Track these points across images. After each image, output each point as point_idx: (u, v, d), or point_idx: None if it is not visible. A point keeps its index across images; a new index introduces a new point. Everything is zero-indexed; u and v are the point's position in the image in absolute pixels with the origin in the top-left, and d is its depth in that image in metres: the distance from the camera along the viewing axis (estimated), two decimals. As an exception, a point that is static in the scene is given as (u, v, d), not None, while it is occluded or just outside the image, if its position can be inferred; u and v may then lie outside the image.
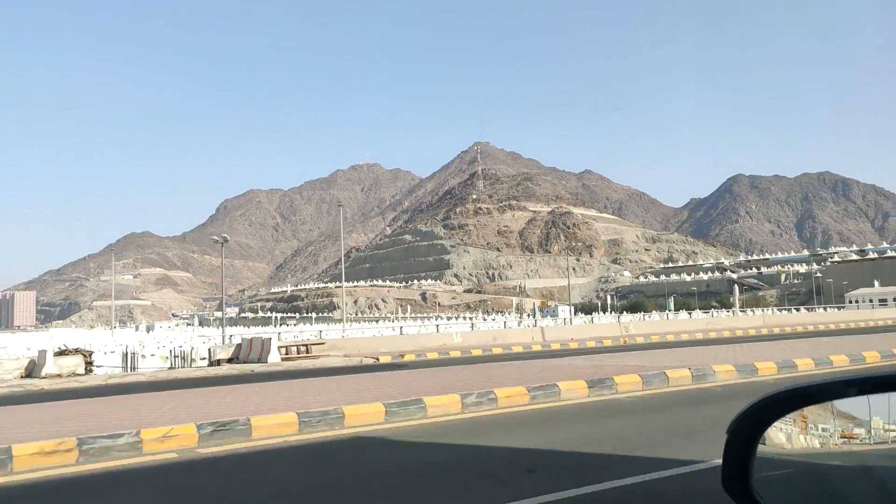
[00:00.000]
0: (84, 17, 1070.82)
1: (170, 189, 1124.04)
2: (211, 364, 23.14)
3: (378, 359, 23.12)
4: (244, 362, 22.69)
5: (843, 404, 1.48)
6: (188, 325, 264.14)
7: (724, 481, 1.59)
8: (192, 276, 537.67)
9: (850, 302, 77.20)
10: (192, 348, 24.28)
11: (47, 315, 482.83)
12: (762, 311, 69.71)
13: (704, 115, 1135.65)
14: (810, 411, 1.54)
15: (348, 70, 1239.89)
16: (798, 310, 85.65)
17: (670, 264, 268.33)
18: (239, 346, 24.39)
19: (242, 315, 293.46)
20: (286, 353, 23.94)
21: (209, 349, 24.52)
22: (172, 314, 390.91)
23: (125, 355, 23.22)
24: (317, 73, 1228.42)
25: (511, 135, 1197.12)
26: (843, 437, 1.50)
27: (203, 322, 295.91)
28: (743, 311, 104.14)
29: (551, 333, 30.65)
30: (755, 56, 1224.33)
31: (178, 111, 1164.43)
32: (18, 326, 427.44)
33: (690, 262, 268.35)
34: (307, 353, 24.42)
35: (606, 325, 38.58)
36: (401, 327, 39.67)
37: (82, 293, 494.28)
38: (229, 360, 23.39)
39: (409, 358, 23.47)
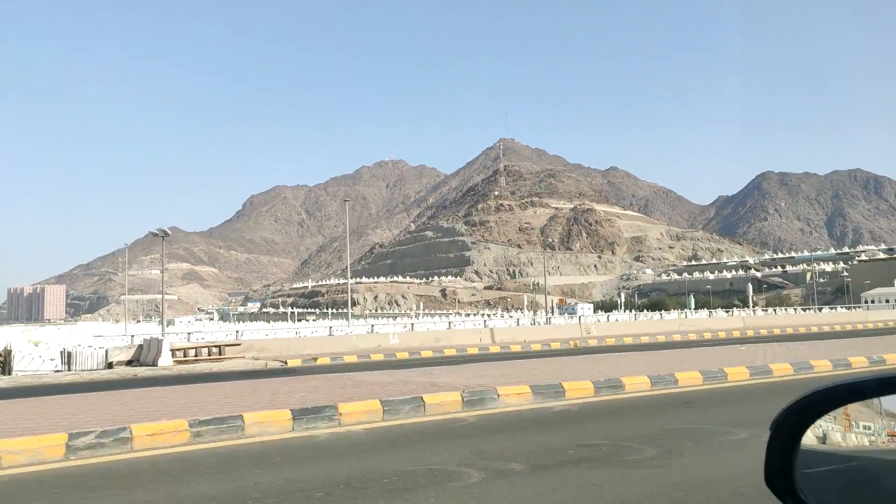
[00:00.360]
0: (115, 13, 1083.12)
1: (197, 185, 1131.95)
2: (107, 367, 21.49)
3: (287, 362, 21.28)
4: (143, 364, 21.00)
5: (889, 402, 1.44)
6: (210, 319, 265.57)
7: (766, 477, 1.56)
8: (219, 271, 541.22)
9: (865, 302, 73.78)
10: (77, 350, 22.42)
11: (77, 308, 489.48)
12: (745, 311, 66.63)
13: (733, 111, 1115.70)
14: (854, 408, 1.51)
15: (373, 67, 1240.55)
16: (820, 310, 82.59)
17: (694, 262, 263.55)
18: (140, 347, 22.72)
19: (264, 310, 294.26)
20: (194, 355, 22.21)
21: (106, 350, 22.85)
22: (198, 308, 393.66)
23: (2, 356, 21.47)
24: (342, 69, 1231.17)
25: (536, 131, 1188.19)
26: (889, 434, 1.47)
27: (224, 317, 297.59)
28: (764, 311, 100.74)
29: (502, 335, 28.57)
30: (785, 52, 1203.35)
31: (205, 107, 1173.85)
32: (48, 320, 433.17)
33: (714, 261, 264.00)
34: (220, 354, 22.68)
35: (565, 327, 36.35)
36: (330, 327, 37.34)
37: (111, 287, 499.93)
38: (129, 363, 21.76)
39: (321, 362, 21.63)
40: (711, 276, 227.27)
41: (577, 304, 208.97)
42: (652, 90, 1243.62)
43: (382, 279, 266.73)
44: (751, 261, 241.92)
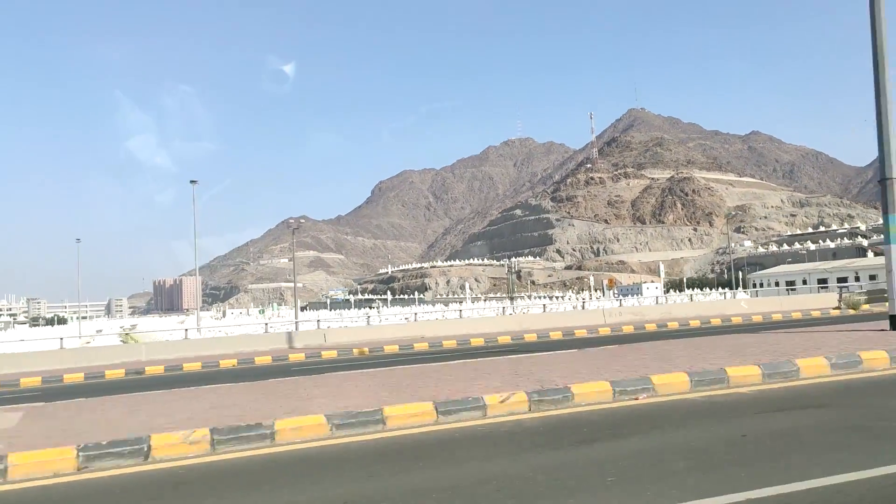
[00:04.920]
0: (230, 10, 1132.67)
1: (327, 175, 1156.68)
2: None
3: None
4: None
5: None
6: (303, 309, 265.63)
7: None
8: (345, 257, 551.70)
9: (754, 286, 55.37)
10: None
11: (214, 298, 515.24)
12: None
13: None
14: None
15: (498, 46, 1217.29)
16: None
17: (799, 231, 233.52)
18: None
19: (351, 297, 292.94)
20: None
21: None
22: (323, 295, 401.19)
23: None
24: (467, 52, 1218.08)
25: (669, 99, 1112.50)
26: None
27: (328, 305, 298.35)
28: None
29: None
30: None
31: (334, 98, 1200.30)
32: (187, 310, 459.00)
33: (844, 228, 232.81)
34: None
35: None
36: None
37: (242, 277, 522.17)
38: None
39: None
40: (813, 247, 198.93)
41: (641, 283, 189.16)
42: (800, 42, 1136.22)
43: (456, 262, 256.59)
44: (862, 227, 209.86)
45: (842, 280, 44.01)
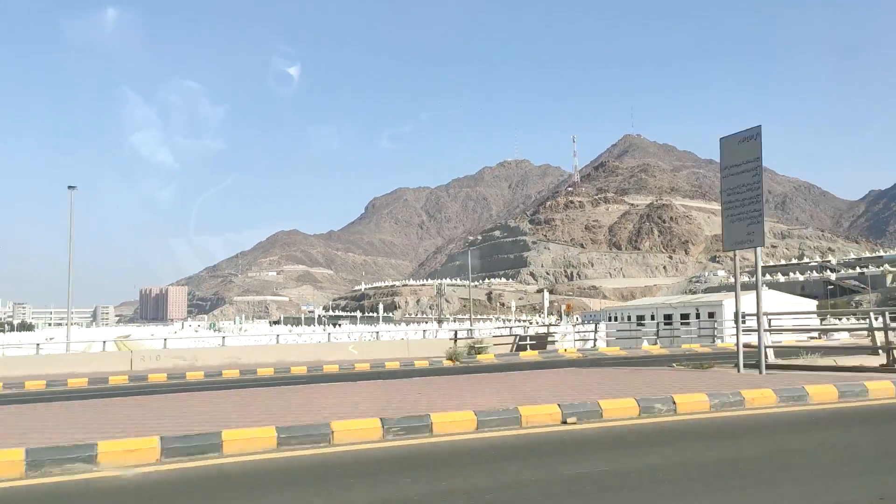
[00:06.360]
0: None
1: (322, 185, 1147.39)
2: None
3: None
4: None
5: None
6: (271, 323, 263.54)
7: None
8: (334, 272, 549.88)
9: (610, 319, 53.33)
10: None
11: (200, 309, 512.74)
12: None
13: (889, 92, 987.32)
14: None
15: (497, 68, 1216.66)
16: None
17: (771, 263, 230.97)
18: None
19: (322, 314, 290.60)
20: None
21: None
22: (309, 310, 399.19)
23: None
24: (468, 74, 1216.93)
25: (665, 126, 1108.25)
26: None
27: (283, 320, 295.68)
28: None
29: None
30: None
31: (337, 102, 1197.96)
32: (171, 320, 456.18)
33: (818, 260, 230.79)
34: None
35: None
36: None
37: (229, 289, 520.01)
38: None
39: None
40: (783, 279, 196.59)
41: (599, 311, 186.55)
42: (796, 76, 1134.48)
43: (429, 282, 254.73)
44: (833, 261, 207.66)
45: (684, 316, 41.89)
